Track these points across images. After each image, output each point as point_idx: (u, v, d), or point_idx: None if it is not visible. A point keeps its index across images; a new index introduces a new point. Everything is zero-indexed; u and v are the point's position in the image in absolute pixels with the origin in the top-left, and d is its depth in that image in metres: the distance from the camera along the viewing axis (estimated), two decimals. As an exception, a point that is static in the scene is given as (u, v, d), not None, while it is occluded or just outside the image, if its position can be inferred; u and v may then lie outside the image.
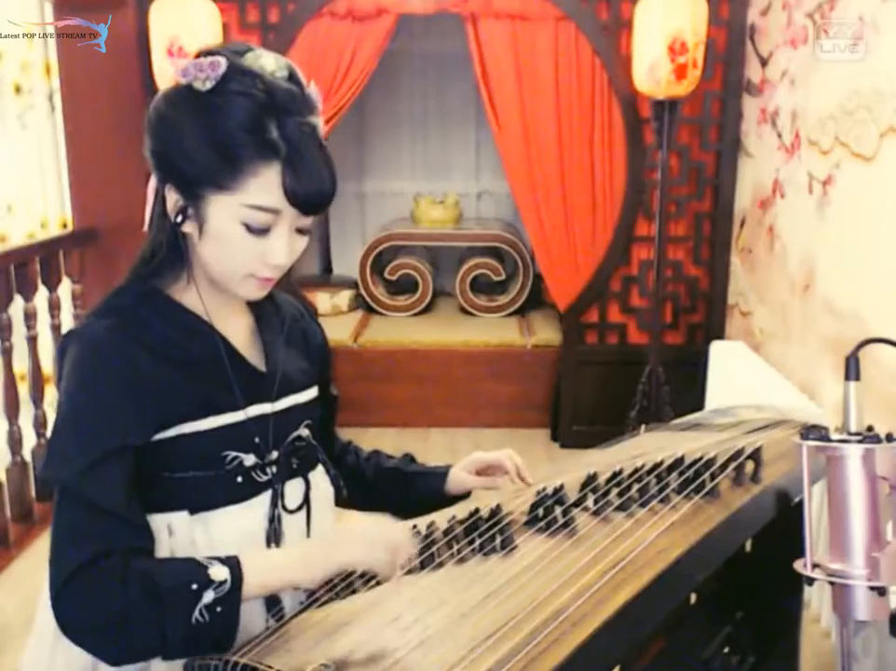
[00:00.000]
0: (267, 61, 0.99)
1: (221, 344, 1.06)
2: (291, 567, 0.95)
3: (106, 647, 0.91)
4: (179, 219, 1.01)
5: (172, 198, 1.01)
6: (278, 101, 0.96)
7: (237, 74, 0.96)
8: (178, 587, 0.89)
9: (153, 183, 1.04)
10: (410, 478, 1.33)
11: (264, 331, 1.14)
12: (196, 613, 0.88)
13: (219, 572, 0.91)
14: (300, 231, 1.03)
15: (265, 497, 1.08)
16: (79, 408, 0.97)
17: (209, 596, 0.89)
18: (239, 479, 1.05)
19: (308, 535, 1.13)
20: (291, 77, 1.00)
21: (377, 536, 0.98)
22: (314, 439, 1.16)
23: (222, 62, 0.96)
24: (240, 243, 0.99)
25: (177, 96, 0.99)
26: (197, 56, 0.99)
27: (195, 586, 0.89)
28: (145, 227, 1.07)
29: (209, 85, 0.96)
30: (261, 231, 0.98)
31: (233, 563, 0.92)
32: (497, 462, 1.31)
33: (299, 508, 1.12)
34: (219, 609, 0.89)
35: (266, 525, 1.07)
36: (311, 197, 0.98)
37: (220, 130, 0.95)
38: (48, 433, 1.00)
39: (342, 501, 1.25)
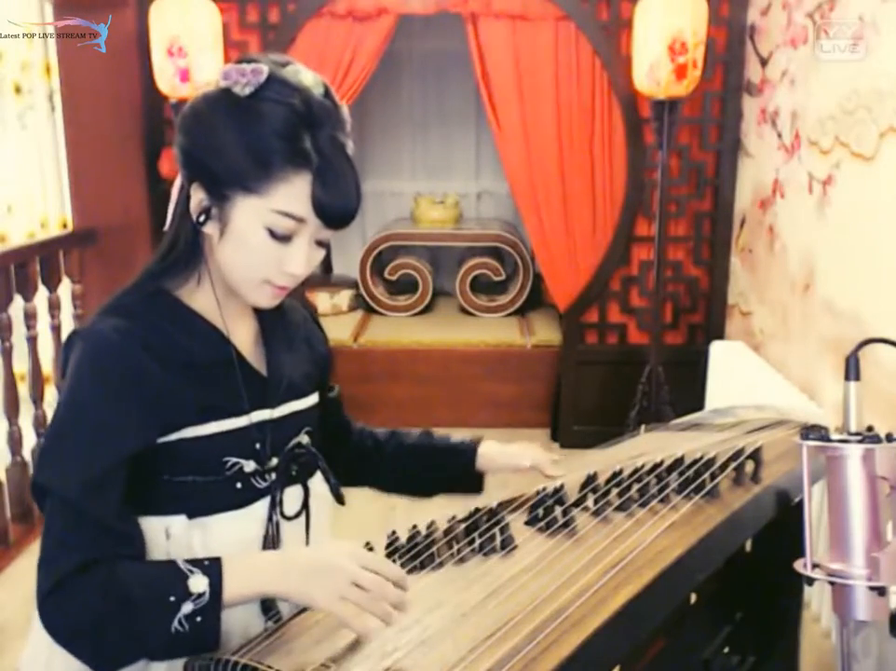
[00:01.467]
0: (306, 77, 1.01)
1: (232, 348, 1.06)
2: (270, 582, 0.93)
3: (88, 653, 0.92)
4: (202, 219, 1.01)
5: (197, 197, 1.01)
6: (314, 113, 0.98)
7: (276, 83, 0.98)
8: (156, 599, 0.90)
9: (178, 181, 1.05)
10: (437, 454, 1.33)
11: (269, 336, 1.13)
12: (176, 623, 0.89)
13: (198, 583, 0.90)
14: (319, 244, 1.04)
15: (264, 503, 1.07)
16: (82, 414, 0.97)
17: (187, 608, 0.89)
18: (239, 485, 1.05)
19: (307, 542, 1.13)
20: (327, 95, 1.01)
21: (361, 585, 0.89)
22: (314, 446, 1.16)
23: (264, 69, 0.98)
24: (261, 248, 0.99)
25: (215, 98, 1.00)
26: (239, 62, 1.00)
27: (172, 598, 0.89)
28: (166, 226, 1.07)
29: (248, 90, 0.97)
30: (283, 238, 0.99)
31: (214, 572, 0.91)
32: (522, 453, 1.32)
33: (297, 515, 1.12)
34: (198, 619, 0.90)
35: (264, 531, 1.07)
36: (337, 210, 0.99)
37: (255, 133, 0.96)
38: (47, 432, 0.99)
39: (367, 484, 1.30)
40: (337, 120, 1.01)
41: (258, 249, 0.99)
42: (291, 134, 0.96)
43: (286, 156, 0.96)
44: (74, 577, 0.91)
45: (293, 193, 0.97)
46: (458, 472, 1.33)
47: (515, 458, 1.32)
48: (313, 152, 0.97)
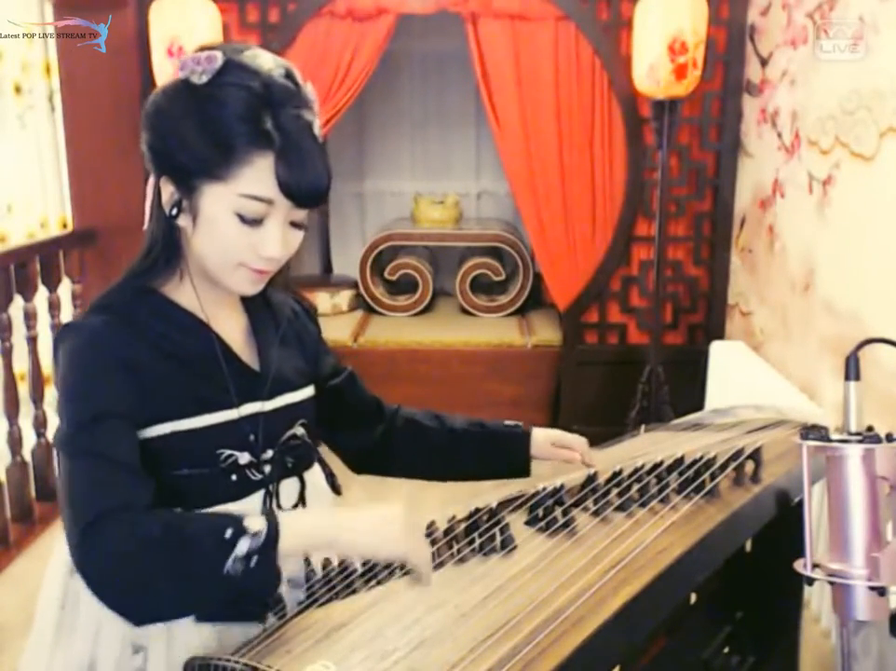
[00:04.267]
0: (265, 60, 1.00)
1: (215, 341, 1.06)
2: (332, 527, 0.92)
3: (130, 600, 0.86)
4: (174, 212, 1.01)
5: (167, 191, 1.01)
6: (274, 94, 0.97)
7: (233, 68, 0.98)
8: (209, 534, 0.86)
9: (151, 178, 1.05)
10: (491, 441, 1.33)
11: (259, 331, 1.14)
12: (230, 564, 0.84)
13: (255, 523, 0.87)
14: (295, 225, 1.03)
15: (260, 495, 1.08)
16: (74, 385, 0.97)
17: (243, 546, 0.85)
18: (234, 477, 1.05)
19: None
20: (288, 75, 1.01)
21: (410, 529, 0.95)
22: (309, 438, 1.16)
23: (218, 56, 0.98)
24: (233, 234, 0.99)
25: (174, 89, 1.00)
26: (196, 51, 1.00)
27: (229, 533, 0.85)
28: (145, 225, 1.07)
29: (205, 78, 0.97)
30: (254, 222, 0.99)
31: (271, 517, 0.89)
32: (578, 447, 1.34)
33: (294, 507, 1.12)
34: (255, 560, 0.85)
35: None
36: (304, 188, 0.98)
37: (214, 119, 0.96)
38: (50, 433, 1.00)
39: (402, 470, 1.33)
40: (300, 99, 1.00)
41: (230, 235, 0.99)
42: (251, 116, 0.96)
43: (247, 138, 0.95)
44: (111, 515, 0.86)
45: (257, 175, 0.96)
46: (511, 458, 1.33)
47: (565, 453, 1.34)
48: (275, 132, 0.96)
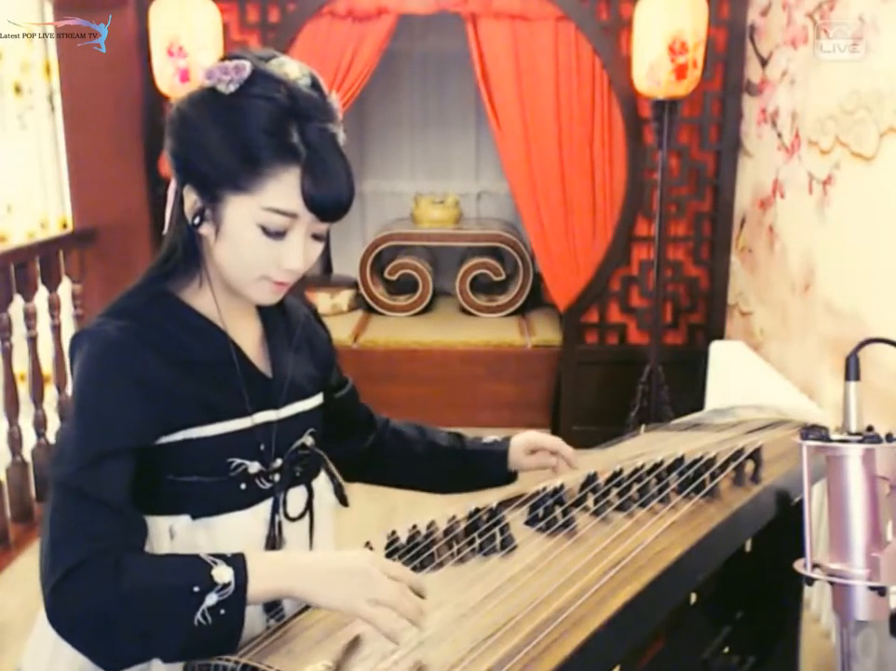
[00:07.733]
0: (291, 68, 1.00)
1: (232, 349, 1.06)
2: (294, 581, 0.90)
3: (101, 650, 0.88)
4: (196, 220, 1.01)
5: (191, 199, 1.01)
6: (301, 106, 0.97)
7: (260, 78, 0.97)
8: (179, 589, 0.86)
9: (173, 184, 1.04)
10: (470, 459, 1.34)
11: (272, 337, 1.13)
12: (199, 616, 0.85)
13: (223, 574, 0.87)
14: (315, 237, 1.03)
15: (268, 504, 1.07)
16: (87, 407, 0.97)
17: (211, 599, 0.86)
18: (243, 486, 1.05)
19: (311, 543, 1.13)
20: (314, 85, 1.01)
21: (384, 588, 0.89)
22: (317, 447, 1.16)
23: (246, 66, 0.97)
24: (256, 246, 0.99)
25: (200, 98, 0.99)
26: (223, 59, 0.99)
27: (196, 589, 0.86)
28: (165, 230, 1.06)
29: (232, 88, 0.97)
30: (277, 234, 0.98)
31: (238, 564, 0.89)
32: (553, 447, 1.33)
33: (301, 516, 1.12)
34: (223, 611, 0.86)
35: (268, 532, 1.07)
36: (329, 202, 0.98)
37: (241, 131, 0.96)
38: (50, 433, 0.99)
39: (389, 481, 1.34)
40: (325, 111, 1.00)
41: (253, 247, 0.99)
42: (277, 129, 0.95)
43: (273, 151, 0.95)
44: (85, 566, 0.87)
45: (283, 189, 0.96)
46: (491, 474, 1.35)
47: (542, 459, 1.34)
48: (301, 145, 0.96)
